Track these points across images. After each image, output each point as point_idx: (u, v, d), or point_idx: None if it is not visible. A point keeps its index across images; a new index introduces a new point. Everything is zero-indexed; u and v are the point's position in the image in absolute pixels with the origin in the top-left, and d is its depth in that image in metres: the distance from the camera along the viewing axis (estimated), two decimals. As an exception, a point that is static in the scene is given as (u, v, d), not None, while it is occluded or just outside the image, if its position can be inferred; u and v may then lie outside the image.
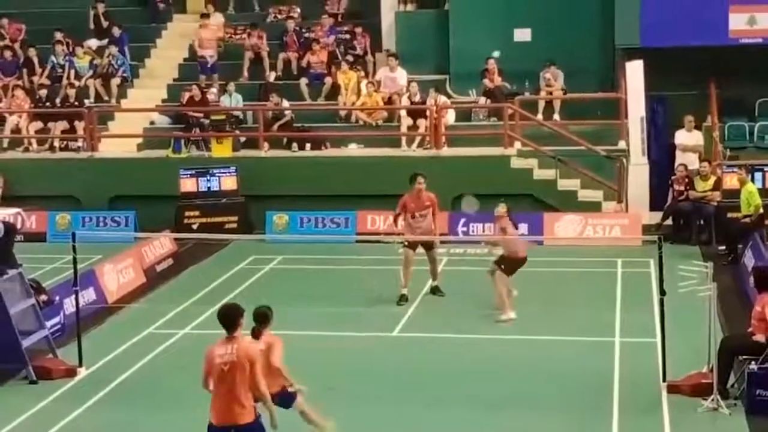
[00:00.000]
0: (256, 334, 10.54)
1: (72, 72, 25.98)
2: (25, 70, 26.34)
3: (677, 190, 21.25)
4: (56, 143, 24.57)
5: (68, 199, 23.39)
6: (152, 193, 22.59)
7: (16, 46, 27.00)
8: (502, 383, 13.32)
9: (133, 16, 28.38)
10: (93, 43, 26.95)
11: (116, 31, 26.78)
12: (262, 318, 10.74)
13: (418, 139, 23.47)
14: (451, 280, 17.77)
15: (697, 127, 22.85)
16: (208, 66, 25.76)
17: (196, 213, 22.32)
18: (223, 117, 24.16)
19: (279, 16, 27.63)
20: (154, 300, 17.81)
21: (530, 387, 13.12)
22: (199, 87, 24.57)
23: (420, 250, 17.21)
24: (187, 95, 24.33)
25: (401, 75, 24.52)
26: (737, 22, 22.96)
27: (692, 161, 21.97)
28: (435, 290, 17.35)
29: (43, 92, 25.15)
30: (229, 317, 9.55)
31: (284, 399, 10.69)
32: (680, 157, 22.35)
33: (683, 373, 12.79)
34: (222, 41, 26.62)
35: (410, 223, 17.10)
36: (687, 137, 22.49)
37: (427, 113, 23.28)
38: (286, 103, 24.17)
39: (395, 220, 17.50)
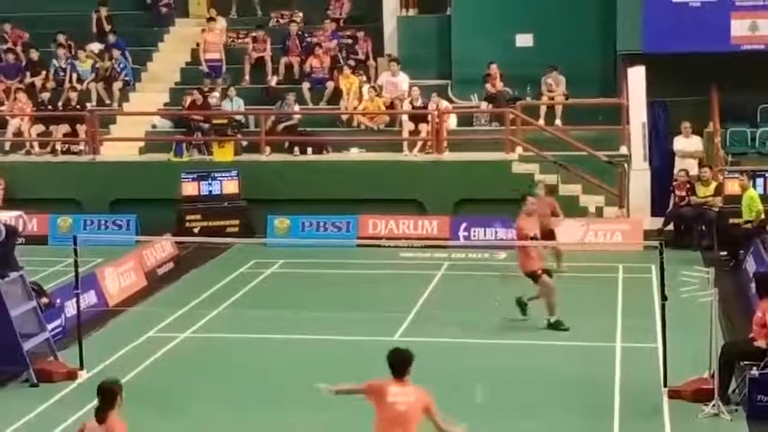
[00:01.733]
0: (100, 418, 9.16)
1: (74, 75, 26.00)
2: (27, 74, 26.38)
3: (679, 196, 21.26)
4: (58, 146, 24.58)
5: (70, 202, 23.39)
6: (154, 197, 22.60)
7: (18, 49, 27.02)
8: (503, 389, 13.31)
9: (136, 19, 28.41)
10: (95, 46, 26.97)
11: (111, 38, 26.71)
12: (110, 396, 9.26)
13: (419, 143, 23.48)
14: (453, 285, 17.76)
15: (698, 133, 22.87)
16: (218, 69, 25.75)
17: (198, 217, 22.33)
18: (224, 121, 24.18)
19: (281, 21, 27.65)
20: (155, 303, 17.81)
21: (531, 392, 13.11)
22: (201, 91, 24.58)
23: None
24: (189, 99, 24.34)
25: (403, 79, 24.54)
26: (739, 28, 22.96)
27: (691, 166, 21.99)
28: (551, 325, 15.65)
29: (46, 95, 25.17)
30: (403, 361, 9.57)
31: None
32: (679, 164, 22.37)
33: (684, 378, 12.79)
34: (225, 45, 26.62)
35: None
36: (685, 143, 22.51)
37: (429, 118, 23.29)
38: (296, 106, 24.20)
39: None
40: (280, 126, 24.04)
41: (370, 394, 9.42)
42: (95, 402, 12.87)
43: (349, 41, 26.31)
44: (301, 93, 24.90)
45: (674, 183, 21.58)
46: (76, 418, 12.39)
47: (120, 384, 9.38)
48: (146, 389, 13.53)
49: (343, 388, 9.85)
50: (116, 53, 26.28)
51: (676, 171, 22.22)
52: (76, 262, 13.95)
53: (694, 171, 21.87)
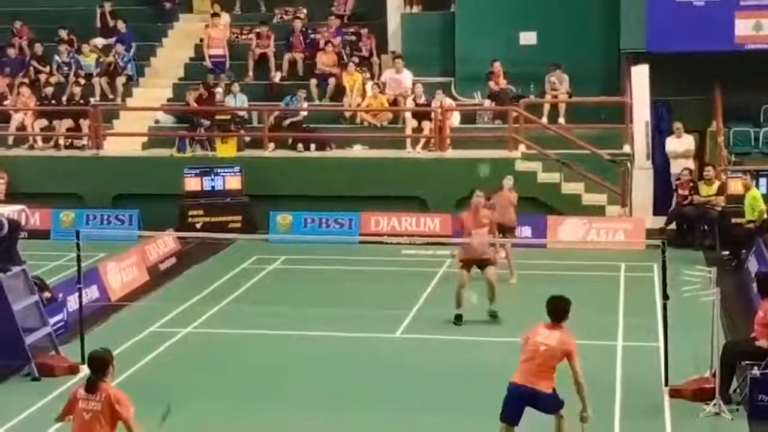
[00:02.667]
0: (91, 387, 8.98)
1: (78, 70, 26.02)
2: (31, 68, 26.41)
3: (681, 195, 21.26)
4: (61, 141, 24.60)
5: (72, 197, 23.42)
6: (156, 192, 22.62)
7: (24, 43, 27.04)
8: (504, 386, 13.28)
9: (140, 15, 28.41)
10: (99, 41, 26.99)
11: (121, 26, 26.81)
12: (102, 365, 9.06)
13: (422, 140, 23.49)
14: (455, 283, 17.74)
15: (700, 132, 22.85)
16: (222, 65, 25.75)
17: (200, 212, 22.34)
18: (227, 117, 24.19)
19: (285, 17, 27.66)
20: (157, 298, 17.83)
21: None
22: (207, 86, 24.58)
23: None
24: (195, 94, 24.35)
25: (406, 77, 24.54)
26: (743, 27, 22.94)
27: (684, 166, 21.95)
28: (492, 314, 15.98)
29: (49, 90, 25.18)
30: (558, 308, 10.44)
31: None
32: (673, 164, 22.33)
33: (685, 377, 12.79)
34: (229, 41, 26.63)
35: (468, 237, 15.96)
36: (677, 143, 22.45)
37: (432, 115, 23.29)
38: (304, 104, 24.21)
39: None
40: (287, 122, 24.03)
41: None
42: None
43: (353, 38, 26.32)
44: (307, 89, 24.85)
45: (677, 182, 21.58)
46: (77, 413, 12.42)
47: (111, 353, 9.20)
48: (148, 384, 13.53)
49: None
50: (120, 48, 26.30)
51: (672, 171, 22.23)
52: (78, 256, 13.97)
53: (685, 170, 21.89)
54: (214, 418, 12.34)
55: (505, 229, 17.98)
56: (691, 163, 22.31)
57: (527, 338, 10.41)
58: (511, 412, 10.37)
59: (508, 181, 18.92)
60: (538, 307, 16.31)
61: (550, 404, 10.36)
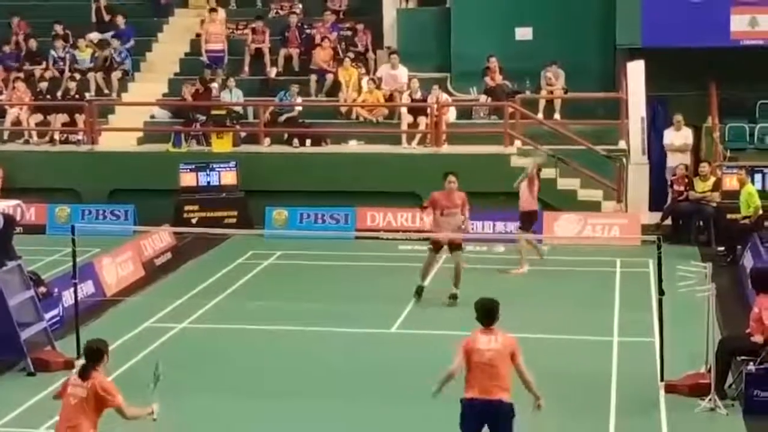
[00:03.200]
0: (84, 375, 9.27)
1: (73, 65, 25.99)
2: (26, 63, 26.36)
3: (677, 191, 21.26)
4: (56, 136, 24.56)
5: (68, 192, 23.39)
6: (152, 187, 22.60)
7: (21, 38, 27.00)
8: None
9: (135, 9, 28.36)
10: (95, 36, 26.95)
11: (120, 20, 26.80)
12: (97, 354, 9.39)
13: (418, 136, 23.48)
14: (450, 278, 17.75)
15: (696, 127, 22.85)
16: (220, 60, 25.71)
17: (196, 207, 22.33)
18: (223, 112, 24.17)
19: (281, 12, 27.62)
20: (153, 293, 17.82)
21: (528, 385, 13.11)
22: (203, 81, 24.55)
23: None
24: (192, 89, 24.32)
25: (402, 72, 24.51)
26: (739, 23, 22.96)
27: (682, 160, 21.96)
28: (452, 297, 16.53)
29: (44, 85, 25.13)
30: (492, 310, 10.08)
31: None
32: (670, 157, 22.32)
33: (681, 373, 12.81)
34: (226, 36, 26.59)
35: (438, 221, 16.70)
36: (675, 136, 22.43)
37: (428, 111, 23.29)
38: (298, 98, 24.20)
39: (423, 211, 17.58)
40: (282, 117, 24.00)
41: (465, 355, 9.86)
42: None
43: (349, 33, 26.29)
44: (302, 84, 24.83)
45: (672, 177, 21.59)
46: (73, 408, 12.41)
47: (107, 344, 9.57)
48: (144, 379, 13.47)
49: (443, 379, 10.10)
50: (116, 43, 26.26)
51: (669, 164, 22.23)
52: (74, 251, 13.97)
53: (686, 163, 21.92)
54: (210, 412, 12.34)
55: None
56: (687, 157, 22.31)
57: (467, 350, 9.86)
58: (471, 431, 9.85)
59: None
60: (534, 303, 16.49)
61: (510, 417, 9.93)
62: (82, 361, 9.54)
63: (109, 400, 9.19)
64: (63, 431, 9.27)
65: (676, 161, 21.99)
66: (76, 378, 9.31)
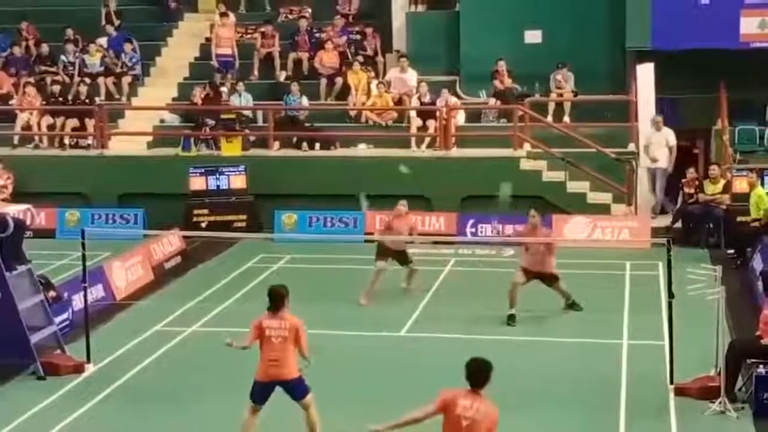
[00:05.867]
0: (274, 313, 10.94)
1: (83, 69, 26.05)
2: (37, 68, 26.45)
3: (687, 193, 21.23)
4: (66, 141, 24.62)
5: (78, 196, 23.45)
6: (161, 191, 22.64)
7: (31, 43, 27.09)
8: (509, 384, 13.27)
9: (145, 14, 28.46)
10: (104, 41, 27.02)
11: (125, 26, 26.91)
12: (281, 297, 11.00)
13: (427, 139, 23.48)
14: (460, 281, 17.77)
15: (708, 130, 22.78)
16: (230, 64, 25.75)
17: (205, 211, 22.37)
18: (233, 116, 24.21)
19: (290, 16, 27.67)
20: (162, 297, 17.84)
21: (537, 388, 13.11)
22: (213, 85, 24.58)
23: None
24: (202, 93, 24.36)
25: (411, 76, 24.54)
26: (748, 25, 22.93)
27: (660, 159, 21.83)
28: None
29: (55, 89, 25.18)
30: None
31: (300, 388, 10.86)
32: (643, 159, 22.17)
33: (691, 375, 12.78)
34: (236, 41, 26.63)
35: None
36: (654, 136, 22.19)
37: (437, 114, 23.29)
38: (305, 101, 24.22)
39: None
40: (281, 114, 24.02)
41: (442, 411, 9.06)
42: (102, 395, 13.00)
43: (358, 37, 26.32)
44: (311, 89, 24.83)
45: (682, 180, 21.54)
46: (82, 411, 12.46)
47: (287, 288, 11.05)
48: (153, 383, 13.57)
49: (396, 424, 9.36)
50: (128, 47, 26.32)
51: (645, 164, 22.00)
52: (83, 255, 13.99)
53: (661, 165, 21.88)
54: (219, 415, 12.34)
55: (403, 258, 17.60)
56: (665, 159, 22.04)
57: (445, 407, 9.00)
58: None
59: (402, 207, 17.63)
60: (544, 306, 16.46)
61: None
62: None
63: (302, 334, 10.78)
64: (273, 368, 10.78)
65: (654, 162, 21.83)
66: (268, 320, 10.84)
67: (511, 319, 15.82)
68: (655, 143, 22.13)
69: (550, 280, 16.15)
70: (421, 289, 17.33)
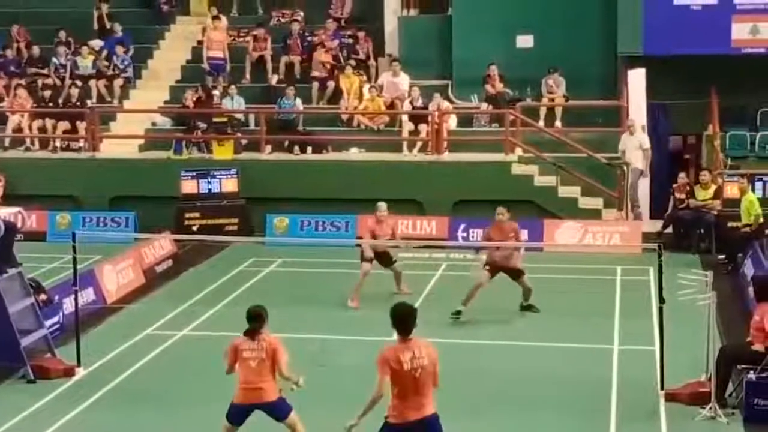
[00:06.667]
0: (252, 335, 10.50)
1: (74, 71, 26.01)
2: (28, 70, 26.40)
3: (678, 198, 21.27)
4: (58, 143, 24.58)
5: (69, 199, 23.42)
6: (153, 194, 22.62)
7: (22, 45, 27.05)
8: (501, 389, 13.32)
9: (137, 17, 28.43)
10: (96, 43, 27.00)
11: (117, 28, 26.89)
12: (259, 318, 10.61)
13: (419, 144, 23.50)
14: (451, 285, 17.76)
15: (699, 135, 22.80)
16: (221, 67, 25.74)
17: (197, 215, 22.35)
18: (224, 119, 24.19)
19: (282, 20, 27.66)
20: (153, 301, 17.82)
21: (529, 393, 13.12)
22: (205, 89, 24.56)
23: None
24: (194, 96, 24.34)
25: (403, 80, 24.56)
26: (740, 31, 22.97)
27: (634, 162, 21.87)
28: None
29: (46, 92, 25.15)
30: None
31: (281, 408, 10.62)
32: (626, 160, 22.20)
33: (681, 381, 12.79)
34: (228, 44, 26.60)
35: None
36: (628, 140, 22.21)
37: (429, 118, 23.30)
38: (300, 104, 24.21)
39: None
40: (277, 116, 24.05)
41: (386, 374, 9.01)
42: (93, 399, 12.97)
43: (350, 41, 26.32)
44: (304, 92, 24.83)
45: (674, 186, 21.59)
46: (73, 415, 12.43)
47: (265, 308, 10.63)
48: (144, 387, 13.55)
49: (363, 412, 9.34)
50: (120, 50, 26.29)
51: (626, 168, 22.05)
52: (74, 259, 13.96)
53: (638, 167, 21.85)
54: (210, 419, 12.30)
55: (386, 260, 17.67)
56: (641, 161, 22.04)
57: (391, 369, 8.96)
58: None
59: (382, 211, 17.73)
60: (534, 311, 16.47)
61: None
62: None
63: (280, 355, 10.31)
64: (250, 392, 10.34)
65: (633, 163, 21.90)
66: (245, 342, 10.35)
67: (457, 314, 16.12)
68: (629, 147, 22.15)
69: (515, 274, 16.41)
70: (409, 291, 17.31)
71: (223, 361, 10.56)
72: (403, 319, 9.18)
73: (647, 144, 22.17)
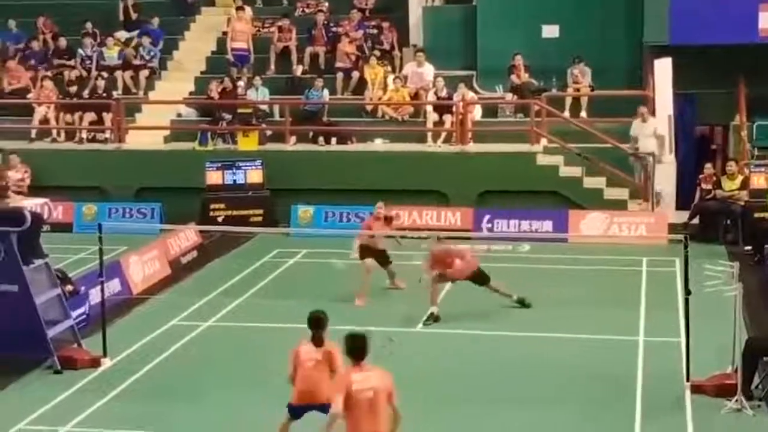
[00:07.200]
0: (317, 341, 10.56)
1: (100, 63, 26.11)
2: (54, 62, 26.54)
3: (704, 189, 21.12)
4: (84, 134, 24.69)
5: (95, 190, 23.53)
6: (178, 186, 22.70)
7: (48, 37, 27.18)
8: (525, 380, 13.31)
9: (162, 8, 28.47)
10: (122, 34, 27.10)
11: (155, 21, 26.99)
12: (320, 323, 10.65)
13: (443, 134, 23.45)
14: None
15: (726, 125, 22.62)
16: (245, 58, 25.76)
17: (222, 206, 22.40)
18: (249, 110, 24.23)
19: (307, 10, 27.67)
20: (179, 292, 17.89)
21: (553, 384, 13.10)
22: (230, 80, 24.59)
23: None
24: (219, 86, 24.39)
25: (428, 70, 24.50)
26: (767, 20, 22.77)
27: (648, 150, 21.73)
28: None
29: (73, 83, 25.24)
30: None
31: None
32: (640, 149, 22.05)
33: (707, 373, 12.73)
34: (252, 35, 26.63)
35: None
36: (640, 128, 22.07)
37: (454, 109, 23.25)
38: (326, 95, 24.20)
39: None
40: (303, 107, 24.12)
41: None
42: (119, 389, 13.04)
43: (375, 31, 26.28)
44: (328, 83, 24.83)
45: (700, 176, 21.44)
46: (99, 406, 12.50)
47: (325, 313, 10.61)
48: (169, 377, 13.61)
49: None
50: (146, 41, 26.37)
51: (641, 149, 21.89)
52: (100, 249, 14.03)
53: (649, 149, 21.64)
54: (236, 410, 12.38)
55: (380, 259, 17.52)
56: (655, 149, 21.85)
57: (347, 392, 9.12)
58: None
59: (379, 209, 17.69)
60: (560, 302, 16.44)
61: None
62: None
63: (337, 362, 10.23)
64: (305, 394, 10.34)
65: (644, 149, 21.77)
66: (310, 346, 10.45)
67: (429, 319, 15.89)
68: (642, 135, 22.00)
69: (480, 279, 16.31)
70: (403, 286, 17.30)
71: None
72: (357, 348, 9.43)
73: (662, 130, 22.03)
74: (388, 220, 17.51)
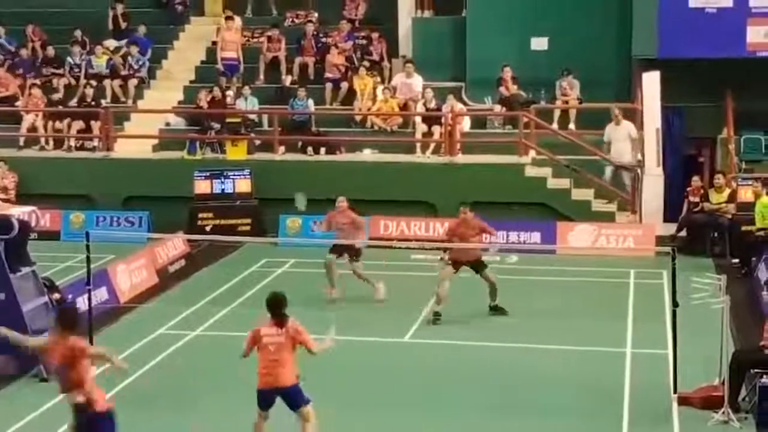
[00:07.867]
0: (279, 323, 10.91)
1: (89, 72, 26.08)
2: (43, 70, 26.48)
3: (692, 202, 21.20)
4: (72, 143, 24.64)
5: (82, 199, 23.49)
6: (166, 194, 22.66)
7: (37, 45, 27.13)
8: (513, 391, 13.31)
9: (151, 17, 28.46)
10: (111, 43, 27.06)
11: (141, 29, 26.96)
12: (280, 304, 11.06)
13: (432, 145, 23.49)
14: (464, 287, 17.72)
15: (713, 139, 22.71)
16: (235, 68, 25.77)
17: (210, 215, 22.39)
18: (238, 120, 24.23)
19: (296, 21, 27.68)
20: (166, 301, 17.86)
21: (541, 396, 13.11)
22: (219, 89, 24.58)
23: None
24: (208, 96, 24.38)
25: (417, 81, 24.54)
26: (755, 34, 22.90)
27: (622, 154, 21.88)
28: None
29: (61, 91, 25.21)
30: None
31: (296, 395, 10.77)
32: (613, 151, 22.07)
33: (694, 385, 12.77)
34: (242, 45, 26.64)
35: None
36: (614, 130, 22.18)
37: (442, 120, 23.29)
38: (311, 104, 24.23)
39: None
40: (291, 117, 24.11)
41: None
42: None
43: (364, 42, 26.31)
44: (317, 93, 24.84)
45: (688, 189, 21.52)
46: (85, 414, 12.42)
47: (284, 294, 11.05)
48: (156, 386, 13.58)
49: None
50: (134, 50, 26.35)
51: (613, 157, 21.99)
52: (88, 258, 14.02)
53: (626, 158, 21.89)
54: (222, 419, 12.35)
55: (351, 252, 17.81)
56: (628, 153, 21.98)
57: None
58: None
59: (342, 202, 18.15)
60: (548, 313, 16.46)
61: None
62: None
63: (302, 337, 10.82)
64: (267, 376, 10.81)
65: (618, 155, 21.90)
66: (270, 329, 10.84)
67: (437, 316, 16.19)
68: (616, 138, 22.08)
69: (479, 266, 16.59)
70: (382, 293, 17.45)
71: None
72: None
73: (636, 133, 22.13)
74: (349, 211, 17.89)
